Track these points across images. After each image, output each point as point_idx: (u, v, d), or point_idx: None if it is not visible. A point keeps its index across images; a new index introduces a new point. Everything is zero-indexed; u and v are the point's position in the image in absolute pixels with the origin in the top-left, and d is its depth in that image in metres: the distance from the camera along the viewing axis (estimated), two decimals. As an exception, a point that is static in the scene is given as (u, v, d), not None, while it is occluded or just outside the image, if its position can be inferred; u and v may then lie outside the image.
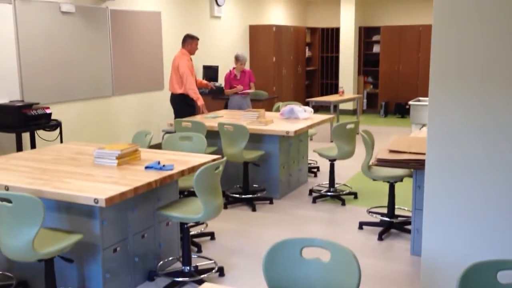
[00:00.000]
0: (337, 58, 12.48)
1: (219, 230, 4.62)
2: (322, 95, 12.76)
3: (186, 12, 8.54)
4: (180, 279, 3.58)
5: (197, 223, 4.60)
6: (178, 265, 3.82)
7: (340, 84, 11.79)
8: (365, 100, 12.47)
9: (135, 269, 3.53)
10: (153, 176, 3.35)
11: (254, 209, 5.20)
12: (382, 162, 3.88)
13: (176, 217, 3.38)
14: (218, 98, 8.16)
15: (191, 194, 3.98)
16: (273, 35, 10.56)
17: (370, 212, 4.99)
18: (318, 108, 11.57)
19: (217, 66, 8.92)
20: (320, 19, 12.96)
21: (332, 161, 5.50)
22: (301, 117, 5.98)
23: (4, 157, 4.01)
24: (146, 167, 3.55)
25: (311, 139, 8.27)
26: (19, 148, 5.23)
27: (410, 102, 8.00)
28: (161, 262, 3.79)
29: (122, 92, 7.24)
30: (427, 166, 2.99)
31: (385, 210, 4.75)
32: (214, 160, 3.84)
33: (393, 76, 11.96)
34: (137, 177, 3.33)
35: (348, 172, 6.60)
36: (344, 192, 5.63)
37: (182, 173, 3.55)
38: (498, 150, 2.79)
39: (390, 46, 11.86)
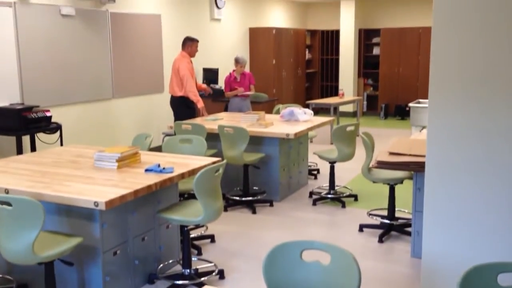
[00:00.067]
0: (337, 60, 12.49)
1: (219, 233, 4.62)
2: (322, 97, 12.77)
3: (186, 15, 8.55)
4: (180, 282, 3.57)
5: (197, 226, 4.60)
6: (178, 268, 3.82)
7: (340, 86, 11.79)
8: (365, 102, 12.47)
9: (135, 272, 3.53)
10: (153, 179, 3.35)
11: (254, 212, 5.20)
12: (382, 165, 3.88)
13: (176, 220, 3.37)
14: (218, 100, 8.17)
15: (191, 196, 3.98)
16: (273, 37, 10.57)
17: (370, 214, 4.98)
18: (318, 110, 11.57)
19: (217, 69, 8.93)
20: (320, 22, 12.97)
21: (332, 163, 5.50)
22: (301, 119, 5.99)
23: (4, 160, 4.01)
24: (146, 170, 3.55)
25: (311, 142, 8.27)
26: (19, 151, 5.23)
27: (410, 104, 8.00)
28: (161, 265, 3.79)
29: (122, 95, 7.25)
30: (427, 168, 2.99)
31: (385, 212, 4.74)
32: (214, 162, 3.84)
33: (393, 78, 11.96)
34: (137, 180, 3.33)
35: (348, 174, 6.60)
36: (344, 195, 5.62)
37: (182, 175, 3.55)
38: (497, 153, 2.79)
39: (390, 48, 11.87)
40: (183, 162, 3.84)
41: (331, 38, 12.69)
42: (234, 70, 7.18)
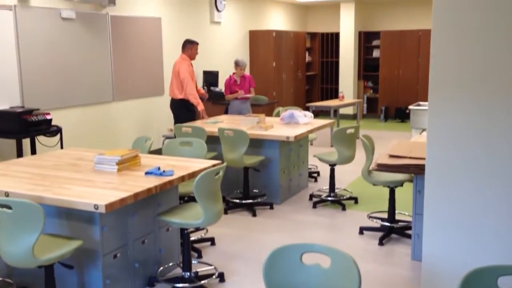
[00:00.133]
0: (337, 63, 12.50)
1: (219, 236, 4.61)
2: (322, 100, 12.78)
3: (186, 18, 8.56)
4: (180, 285, 3.57)
5: (197, 229, 4.60)
6: (178, 271, 3.82)
7: (340, 89, 11.81)
8: (365, 105, 12.48)
9: (135, 275, 3.52)
10: (153, 181, 3.35)
11: (254, 214, 5.20)
12: (382, 167, 3.88)
13: (176, 223, 3.37)
14: (218, 103, 8.17)
15: (191, 199, 3.98)
16: (273, 40, 10.58)
17: (370, 217, 4.98)
18: (318, 113, 11.58)
19: (217, 72, 8.94)
20: (320, 24, 12.99)
21: (332, 166, 5.50)
22: (301, 122, 5.99)
23: (4, 163, 4.01)
24: (146, 173, 3.55)
25: (311, 144, 8.26)
26: (20, 154, 5.23)
27: (410, 107, 8.01)
28: (161, 268, 3.78)
29: (122, 98, 7.26)
30: (427, 171, 2.99)
31: (385, 215, 4.74)
32: (214, 165, 3.84)
33: (393, 81, 11.97)
34: (137, 182, 3.33)
35: (349, 177, 6.60)
36: (344, 197, 5.62)
37: (182, 178, 3.55)
38: (498, 155, 2.79)
39: (390, 51, 11.88)
40: (183, 165, 3.84)
41: (331, 41, 12.70)
42: (234, 73, 7.19)
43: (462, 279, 1.83)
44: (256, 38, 10.62)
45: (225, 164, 3.57)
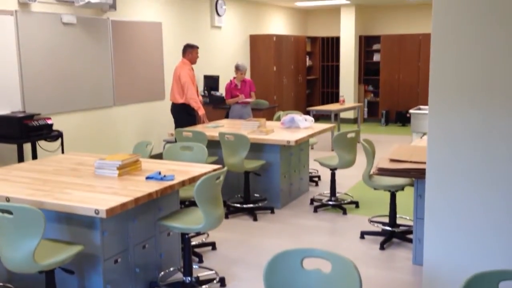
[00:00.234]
0: (337, 67, 12.51)
1: (220, 240, 4.61)
2: (322, 104, 12.79)
3: (187, 22, 8.58)
4: (181, 290, 3.56)
5: (198, 233, 4.59)
6: (179, 276, 3.81)
7: (341, 93, 11.81)
8: (366, 109, 12.48)
9: (136, 280, 3.52)
10: (154, 186, 3.35)
11: (255, 219, 5.19)
12: (383, 171, 3.87)
13: (177, 228, 3.37)
14: (219, 107, 8.18)
15: (192, 204, 3.97)
16: (274, 44, 10.60)
17: (371, 221, 4.97)
18: (319, 117, 11.58)
19: (218, 76, 8.95)
20: (320, 28, 13.01)
21: (333, 170, 5.50)
22: (302, 126, 5.99)
23: (5, 168, 4.01)
24: (147, 178, 3.55)
25: (312, 148, 8.27)
26: (21, 159, 5.24)
27: (411, 111, 8.01)
28: (162, 273, 3.78)
29: (123, 102, 7.26)
30: (427, 175, 2.98)
31: (386, 219, 4.73)
32: (215, 170, 3.84)
33: (394, 85, 11.98)
34: (138, 187, 3.33)
35: (349, 181, 6.59)
36: (345, 201, 5.62)
37: (182, 183, 3.55)
38: (498, 159, 2.79)
39: (390, 54, 11.90)
40: (184, 169, 3.84)
41: (332, 45, 12.72)
42: (234, 77, 7.19)
43: (463, 283, 1.83)
44: (257, 43, 10.63)
45: (225, 168, 3.57)
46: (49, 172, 3.82)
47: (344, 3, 11.24)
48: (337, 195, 5.67)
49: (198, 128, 6.00)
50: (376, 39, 12.18)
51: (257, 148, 5.48)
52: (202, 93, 8.57)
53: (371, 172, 4.27)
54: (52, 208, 3.06)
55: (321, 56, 12.89)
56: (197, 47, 6.65)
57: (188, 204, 4.35)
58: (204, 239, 4.60)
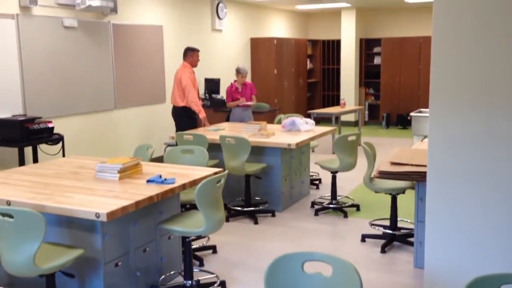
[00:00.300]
0: (338, 70, 12.52)
1: (221, 244, 4.60)
2: (323, 107, 12.79)
3: (188, 26, 8.60)
4: (182, 293, 3.56)
5: (199, 237, 4.59)
6: (180, 279, 3.81)
7: (342, 95, 11.81)
8: (366, 112, 12.48)
9: (137, 283, 3.51)
10: (154, 189, 3.35)
11: (256, 222, 5.19)
12: (384, 174, 3.87)
13: (178, 231, 3.37)
14: (219, 110, 8.19)
15: (193, 207, 3.97)
16: (274, 47, 10.61)
17: (372, 224, 4.97)
18: (320, 120, 11.58)
19: (219, 79, 8.95)
20: (321, 31, 13.03)
21: (334, 173, 5.50)
22: (303, 129, 5.99)
23: (6, 171, 4.02)
24: (148, 181, 3.55)
25: (313, 151, 8.26)
26: (22, 162, 5.24)
27: (412, 114, 8.01)
28: (163, 276, 3.77)
29: (124, 106, 7.27)
30: (428, 178, 2.98)
31: (387, 223, 4.73)
32: (215, 173, 3.84)
33: (395, 88, 11.98)
34: (139, 191, 3.33)
35: (350, 184, 6.59)
36: (346, 204, 5.61)
37: (183, 186, 3.55)
38: (499, 162, 2.79)
39: (391, 57, 11.90)
40: (184, 172, 3.84)
41: (332, 48, 12.73)
42: (235, 81, 7.20)
43: (464, 287, 1.82)
44: (257, 46, 10.65)
45: (226, 171, 3.57)
46: (50, 175, 3.82)
47: (344, 6, 11.25)
48: (338, 198, 5.66)
49: (199, 131, 6.00)
50: (376, 42, 12.19)
51: (258, 151, 5.48)
52: (203, 96, 8.57)
53: (372, 175, 4.27)
54: (53, 212, 3.06)
55: (321, 59, 12.90)
56: (198, 50, 6.66)
57: (189, 207, 4.34)
58: (204, 243, 4.60)
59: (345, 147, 5.26)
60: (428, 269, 3.05)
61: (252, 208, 5.39)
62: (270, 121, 7.59)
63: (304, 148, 6.01)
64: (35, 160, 5.60)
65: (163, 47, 7.96)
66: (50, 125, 5.55)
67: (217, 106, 8.33)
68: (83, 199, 3.16)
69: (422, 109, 8.33)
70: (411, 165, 3.85)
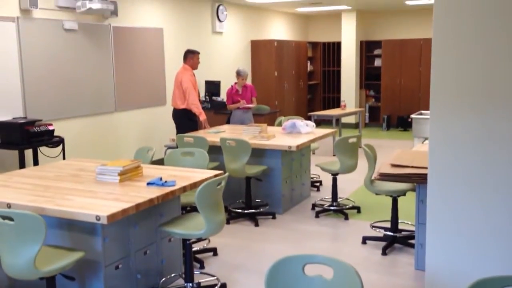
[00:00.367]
0: (338, 72, 12.53)
1: (221, 246, 4.60)
2: (324, 109, 12.78)
3: (188, 28, 8.60)
4: (182, 296, 3.55)
5: (200, 239, 4.58)
6: (180, 282, 3.80)
7: (342, 97, 11.81)
8: (367, 114, 12.48)
9: (138, 286, 3.51)
10: (155, 192, 3.35)
11: (256, 224, 5.18)
12: (385, 176, 3.86)
13: (178, 234, 3.36)
14: (220, 113, 8.19)
15: (194, 209, 3.97)
16: (275, 49, 10.61)
17: (373, 226, 4.96)
18: (320, 122, 11.58)
19: (219, 81, 8.96)
20: (321, 34, 13.03)
21: (334, 175, 5.49)
22: (303, 131, 5.99)
23: (6, 174, 4.01)
24: (148, 183, 3.54)
25: (313, 153, 8.26)
26: (22, 165, 5.24)
27: (412, 116, 8.00)
28: (164, 279, 3.77)
29: (124, 108, 7.27)
30: (429, 180, 2.98)
31: (388, 225, 4.72)
32: (216, 175, 3.84)
33: (395, 90, 11.98)
34: (139, 193, 3.33)
35: (351, 186, 6.58)
36: (347, 207, 5.60)
37: (184, 189, 3.55)
38: (500, 164, 2.78)
39: (392, 59, 11.91)
40: (185, 175, 3.84)
41: (333, 50, 12.73)
42: (236, 83, 7.20)
43: (465, 290, 1.82)
44: (258, 48, 10.65)
45: (227, 174, 3.57)
46: (50, 178, 3.82)
47: (345, 8, 11.26)
48: (338, 200, 5.66)
49: (200, 133, 6.00)
50: (377, 44, 12.20)
51: (258, 154, 5.47)
52: (204, 99, 8.58)
53: (373, 177, 4.27)
54: (53, 215, 3.06)
55: (322, 61, 12.90)
56: (198, 53, 6.66)
57: (190, 209, 4.34)
58: (205, 245, 4.59)
59: (345, 149, 5.26)
60: (429, 271, 3.04)
61: (253, 211, 5.39)
62: (271, 123, 7.59)
63: (304, 150, 6.00)
64: (36, 162, 5.60)
65: (163, 49, 7.97)
66: (50, 128, 5.55)
67: (218, 108, 8.33)
68: (83, 201, 3.15)
69: (422, 111, 8.33)
70: (412, 167, 3.84)
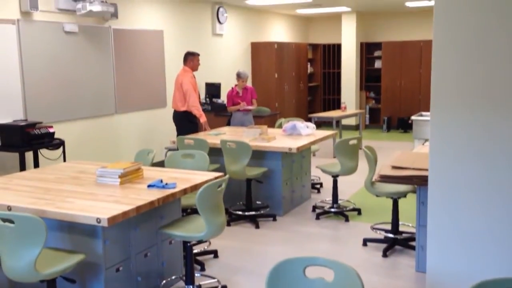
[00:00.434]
0: (339, 73, 12.53)
1: (222, 248, 4.59)
2: (324, 110, 12.78)
3: (188, 30, 8.61)
4: (183, 298, 3.55)
5: (200, 241, 4.57)
6: (181, 284, 3.80)
7: (342, 99, 11.81)
8: (367, 115, 12.48)
9: (138, 288, 3.50)
10: (155, 194, 3.35)
11: (257, 226, 5.18)
12: (385, 178, 3.86)
13: (179, 236, 3.36)
14: (220, 115, 8.19)
15: (194, 212, 3.97)
16: (275, 51, 10.62)
17: (374, 228, 4.96)
18: (321, 124, 11.56)
19: (220, 83, 8.96)
20: (322, 35, 13.04)
21: (335, 177, 5.49)
22: (304, 133, 5.98)
23: (7, 176, 4.01)
24: (149, 186, 3.54)
25: (313, 155, 8.26)
26: (23, 167, 5.24)
27: (413, 117, 8.00)
28: (164, 281, 3.76)
29: (124, 110, 7.27)
30: (430, 182, 2.97)
31: (389, 227, 4.72)
32: (216, 177, 3.84)
33: (395, 91, 11.99)
34: (140, 196, 3.32)
35: (351, 188, 6.58)
36: (347, 208, 5.60)
37: (184, 191, 3.55)
38: (500, 166, 2.78)
39: (392, 61, 11.91)
40: (185, 177, 3.84)
41: (333, 52, 12.74)
42: (236, 85, 7.21)
43: (467, 292, 1.81)
44: (258, 50, 10.66)
45: (227, 176, 3.57)
46: (51, 180, 3.82)
47: (345, 10, 11.27)
48: (339, 202, 5.65)
49: (200, 135, 6.00)
50: (377, 45, 12.20)
51: (259, 156, 5.47)
52: (204, 101, 8.58)
53: (373, 179, 4.26)
54: (54, 217, 3.06)
55: (322, 63, 12.91)
56: (198, 55, 6.67)
57: (190, 212, 4.33)
58: (206, 247, 4.59)
59: (346, 151, 5.25)
60: (430, 273, 3.04)
61: (253, 213, 5.38)
62: (271, 125, 7.59)
63: (305, 152, 6.00)
64: (36, 165, 5.60)
65: (163, 51, 7.97)
66: (51, 130, 5.55)
67: (218, 110, 8.33)
68: (84, 204, 3.15)
69: (423, 113, 8.32)
70: (413, 169, 3.84)
